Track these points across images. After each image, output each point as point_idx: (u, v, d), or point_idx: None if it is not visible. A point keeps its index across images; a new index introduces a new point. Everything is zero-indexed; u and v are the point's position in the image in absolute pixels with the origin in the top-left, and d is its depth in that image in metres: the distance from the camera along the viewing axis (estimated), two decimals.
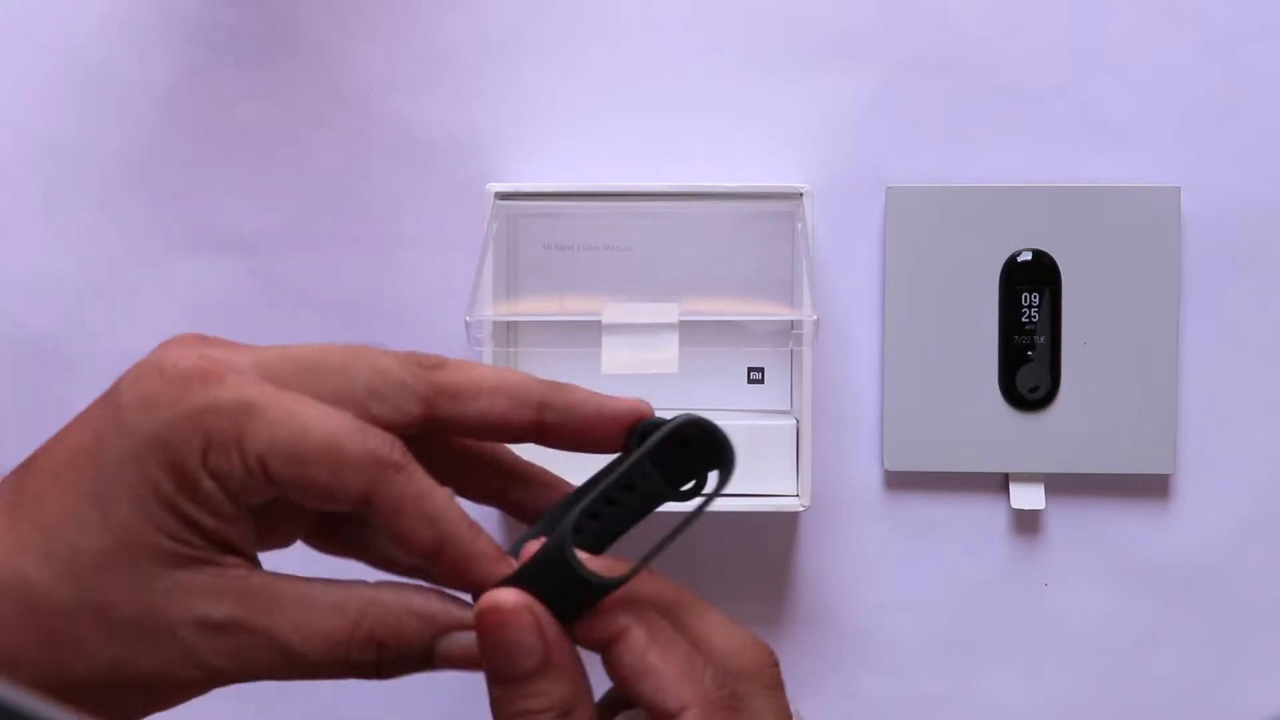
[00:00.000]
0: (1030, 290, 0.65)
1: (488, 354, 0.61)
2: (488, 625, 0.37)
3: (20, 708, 0.24)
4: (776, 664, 0.41)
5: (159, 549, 0.37)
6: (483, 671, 0.39)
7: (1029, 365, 0.65)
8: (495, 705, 0.39)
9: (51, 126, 0.67)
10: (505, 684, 0.38)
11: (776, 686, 0.40)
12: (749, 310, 0.65)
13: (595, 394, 0.41)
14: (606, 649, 0.39)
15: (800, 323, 0.59)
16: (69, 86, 0.66)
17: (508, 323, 0.65)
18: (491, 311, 0.62)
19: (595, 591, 0.38)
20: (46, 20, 0.66)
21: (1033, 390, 0.65)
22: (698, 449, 0.40)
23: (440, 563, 0.38)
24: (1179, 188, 0.65)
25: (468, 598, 0.39)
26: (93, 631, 0.37)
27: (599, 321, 0.59)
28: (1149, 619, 0.66)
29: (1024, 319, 0.65)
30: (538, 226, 0.65)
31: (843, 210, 0.66)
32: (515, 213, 0.64)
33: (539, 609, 0.38)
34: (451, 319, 0.65)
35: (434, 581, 0.39)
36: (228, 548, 0.38)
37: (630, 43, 0.66)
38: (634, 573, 0.38)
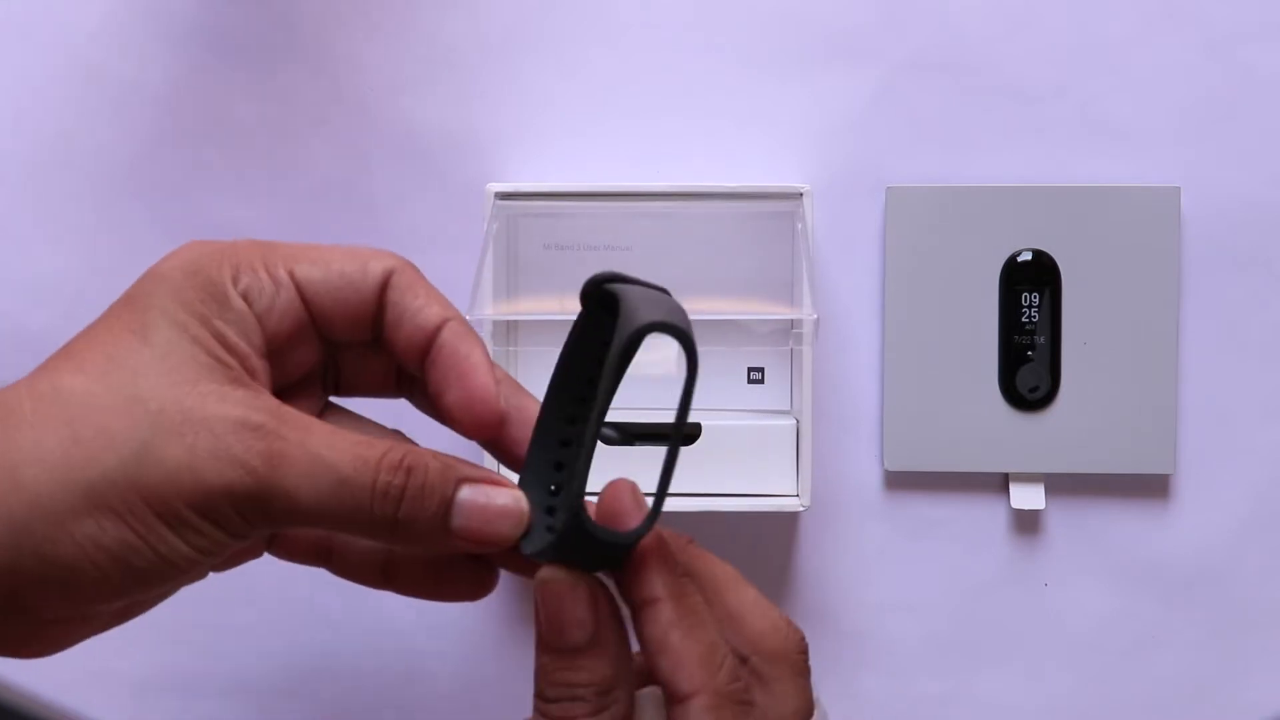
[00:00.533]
0: (1030, 290, 0.65)
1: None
2: (545, 595, 0.39)
3: (20, 708, 0.24)
4: (806, 650, 0.41)
5: (197, 361, 0.38)
6: (489, 555, 0.41)
7: (1029, 365, 0.65)
8: (541, 672, 0.40)
9: (51, 126, 0.67)
10: (553, 654, 0.39)
11: (803, 672, 0.41)
12: (749, 310, 0.65)
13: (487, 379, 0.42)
14: (636, 611, 0.39)
15: (800, 322, 0.59)
16: (68, 87, 0.66)
17: (508, 322, 0.65)
18: (491, 311, 0.62)
19: (619, 548, 0.39)
20: (46, 20, 0.66)
21: (1033, 390, 0.65)
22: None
23: (445, 333, 0.41)
24: (1179, 188, 0.65)
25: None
26: (123, 420, 0.37)
27: None
28: (1149, 619, 0.66)
29: (1024, 319, 0.65)
30: (538, 226, 0.65)
31: (843, 210, 0.66)
32: (515, 213, 0.64)
33: (596, 586, 0.39)
34: None
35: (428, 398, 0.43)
36: (256, 379, 0.39)
37: (630, 43, 0.66)
38: (650, 525, 0.39)
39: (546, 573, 0.39)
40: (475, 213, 0.65)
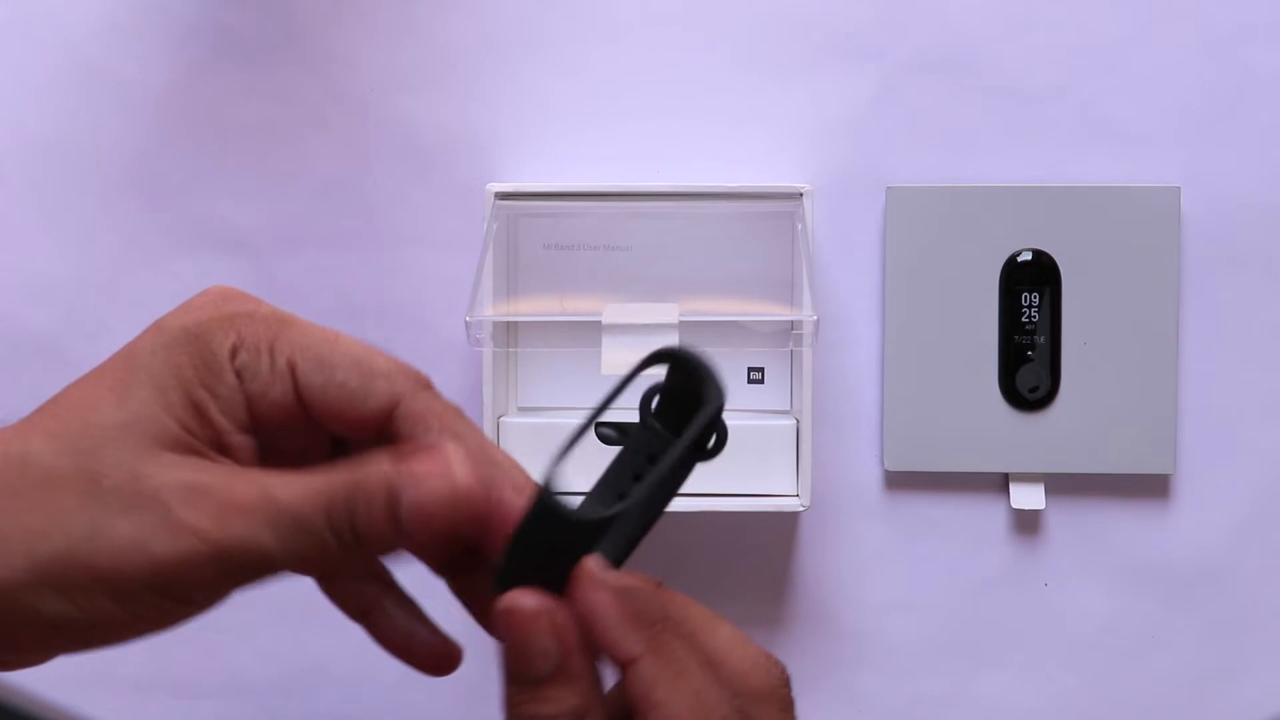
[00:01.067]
0: (1030, 290, 0.65)
1: (488, 354, 0.61)
2: (507, 626, 0.38)
3: (20, 708, 0.24)
4: (789, 682, 0.40)
5: (164, 431, 0.38)
6: (444, 546, 0.39)
7: (1029, 365, 0.65)
8: (507, 704, 0.39)
9: (51, 126, 0.67)
10: (519, 685, 0.38)
11: (789, 706, 0.40)
12: (749, 310, 0.65)
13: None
14: (621, 670, 0.38)
15: (800, 323, 0.59)
16: (69, 86, 0.66)
17: (508, 323, 0.65)
18: (491, 311, 0.62)
19: (584, 535, 0.38)
20: (46, 20, 0.66)
21: (1033, 390, 0.65)
22: (696, 394, 0.40)
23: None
24: (1179, 188, 0.65)
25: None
26: (76, 498, 0.37)
27: (599, 321, 0.59)
28: (1149, 619, 0.66)
29: (1024, 319, 0.65)
30: (538, 226, 0.65)
31: (843, 210, 0.66)
32: (515, 213, 0.64)
33: (560, 615, 0.38)
34: (451, 319, 0.65)
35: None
36: (231, 454, 0.38)
37: (630, 43, 0.66)
38: (622, 511, 0.38)
39: (506, 601, 0.38)
40: (475, 213, 0.65)
